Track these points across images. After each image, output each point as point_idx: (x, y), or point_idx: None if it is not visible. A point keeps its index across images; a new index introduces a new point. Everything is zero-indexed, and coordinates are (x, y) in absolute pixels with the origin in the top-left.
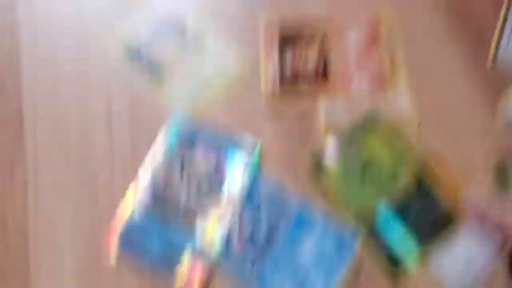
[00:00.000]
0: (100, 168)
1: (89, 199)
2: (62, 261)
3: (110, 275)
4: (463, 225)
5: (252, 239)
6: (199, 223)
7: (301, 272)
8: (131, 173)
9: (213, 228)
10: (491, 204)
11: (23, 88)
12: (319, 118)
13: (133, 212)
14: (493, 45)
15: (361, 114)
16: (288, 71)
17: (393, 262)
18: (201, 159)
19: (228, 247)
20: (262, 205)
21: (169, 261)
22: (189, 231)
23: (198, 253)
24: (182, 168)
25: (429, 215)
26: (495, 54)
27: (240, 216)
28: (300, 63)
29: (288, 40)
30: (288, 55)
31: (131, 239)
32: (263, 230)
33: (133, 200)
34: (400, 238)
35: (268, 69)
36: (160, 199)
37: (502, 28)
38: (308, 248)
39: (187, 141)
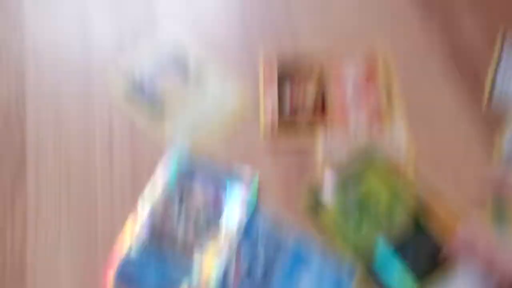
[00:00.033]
0: (100, 201)
1: (88, 232)
2: None
3: None
4: (459, 262)
5: (249, 274)
6: (196, 258)
7: None
8: (130, 206)
9: (210, 263)
10: (487, 241)
11: (27, 120)
12: (317, 153)
13: (130, 246)
14: (487, 85)
15: (358, 150)
16: (286, 106)
17: None
18: (200, 193)
19: (225, 282)
20: (260, 240)
21: None
22: (186, 265)
23: None
24: (180, 202)
25: (425, 252)
26: (490, 94)
27: (238, 250)
28: (299, 97)
29: (286, 75)
30: (287, 90)
31: (128, 273)
32: (261, 265)
33: (131, 234)
34: (398, 276)
35: (267, 104)
36: (158, 233)
37: (496, 69)
38: (306, 284)
39: (186, 174)
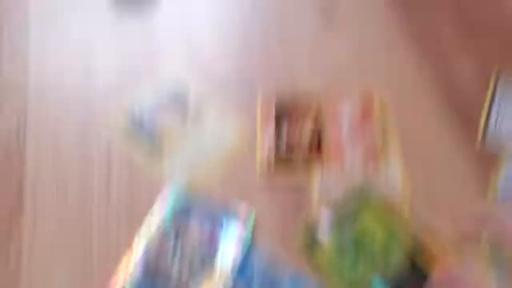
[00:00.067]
0: (95, 238)
1: (83, 269)
2: None
3: None
4: None
5: None
6: None
7: None
8: (126, 242)
9: None
10: (483, 280)
11: (26, 153)
12: (313, 191)
13: (125, 283)
14: (481, 124)
15: (354, 188)
16: (283, 144)
17: None
18: (196, 230)
19: None
20: (255, 278)
21: None
22: None
23: None
24: (176, 239)
25: None
26: (484, 133)
27: None
28: (295, 135)
29: (284, 113)
30: (284, 128)
31: None
32: None
33: (125, 271)
34: None
35: (264, 141)
36: (152, 271)
37: (490, 108)
38: None
39: (183, 211)
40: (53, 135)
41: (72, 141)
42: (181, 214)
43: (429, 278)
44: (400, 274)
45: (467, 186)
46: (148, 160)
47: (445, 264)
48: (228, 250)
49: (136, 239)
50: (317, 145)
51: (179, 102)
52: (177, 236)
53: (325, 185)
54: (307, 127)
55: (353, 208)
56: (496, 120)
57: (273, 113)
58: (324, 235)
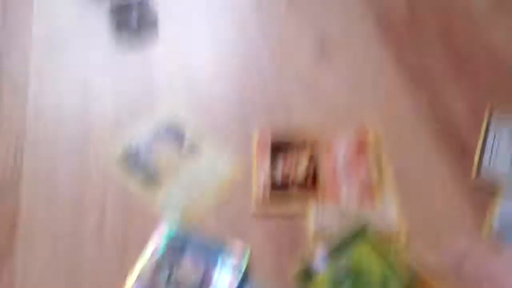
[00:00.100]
0: (87, 268)
1: None
2: None
3: None
4: None
5: None
6: None
7: None
8: (119, 275)
9: None
10: None
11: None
12: (308, 225)
13: None
14: (475, 161)
15: (350, 222)
16: (279, 178)
17: None
18: (189, 268)
19: None
20: None
21: None
22: None
23: None
24: (169, 277)
25: None
26: (478, 169)
27: None
28: (291, 169)
29: (279, 147)
30: (279, 162)
31: None
32: None
33: None
34: None
35: (259, 176)
36: None
37: (483, 145)
38: None
39: (177, 248)
40: (48, 167)
41: (67, 173)
42: (175, 251)
43: None
44: None
45: (462, 222)
46: (143, 191)
47: None
48: (223, 287)
49: (129, 271)
50: (312, 180)
51: (175, 135)
52: (170, 273)
53: (320, 219)
54: (303, 162)
55: (349, 242)
56: (490, 157)
57: (269, 149)
58: (319, 269)
